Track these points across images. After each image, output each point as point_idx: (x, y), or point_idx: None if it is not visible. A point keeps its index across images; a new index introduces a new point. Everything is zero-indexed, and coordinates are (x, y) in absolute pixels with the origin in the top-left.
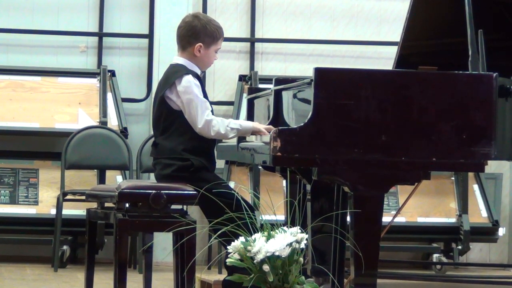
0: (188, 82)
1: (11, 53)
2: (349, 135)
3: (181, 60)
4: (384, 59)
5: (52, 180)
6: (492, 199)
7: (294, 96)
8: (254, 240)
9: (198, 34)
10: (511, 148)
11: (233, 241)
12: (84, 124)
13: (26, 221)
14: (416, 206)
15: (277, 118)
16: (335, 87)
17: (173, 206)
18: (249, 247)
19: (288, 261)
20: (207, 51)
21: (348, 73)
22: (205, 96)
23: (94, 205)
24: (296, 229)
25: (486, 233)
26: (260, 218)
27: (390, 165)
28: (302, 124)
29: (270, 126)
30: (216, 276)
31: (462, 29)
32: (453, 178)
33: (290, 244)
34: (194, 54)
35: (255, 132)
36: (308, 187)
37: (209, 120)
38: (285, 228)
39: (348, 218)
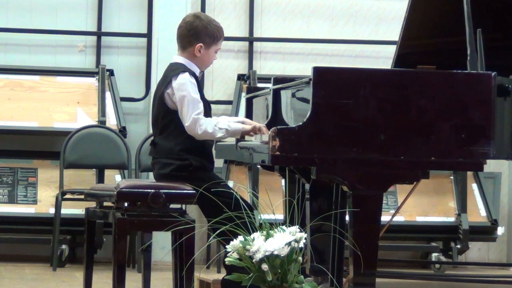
0: (183, 80)
1: (10, 53)
2: (348, 135)
3: (180, 59)
4: (382, 58)
5: (50, 179)
6: (491, 198)
7: (293, 95)
8: (253, 239)
9: (198, 34)
10: (509, 147)
11: (232, 240)
12: (82, 123)
13: (25, 220)
14: (415, 205)
15: (275, 117)
16: (333, 86)
17: (172, 206)
18: (248, 246)
19: (287, 260)
20: (207, 51)
21: (346, 72)
22: (202, 95)
23: (93, 204)
24: (295, 228)
25: (485, 232)
26: (259, 217)
27: (388, 164)
28: (300, 123)
29: (261, 126)
30: (215, 275)
31: (461, 28)
32: (452, 177)
33: (289, 243)
34: (194, 54)
35: (244, 135)
36: (307, 186)
37: (197, 118)
38: (284, 227)
39: (347, 217)
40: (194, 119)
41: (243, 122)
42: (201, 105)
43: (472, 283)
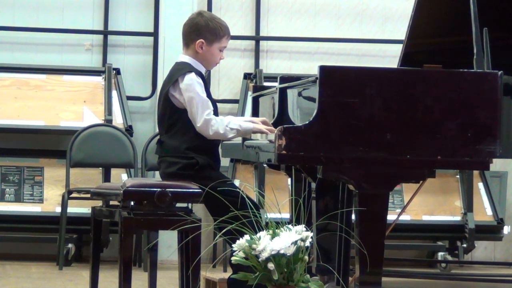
0: (190, 80)
1: (16, 51)
2: (354, 133)
3: (186, 58)
4: (389, 57)
5: (57, 178)
6: (497, 197)
7: (299, 94)
8: (259, 238)
9: (200, 30)
10: None
11: (238, 239)
12: (89, 122)
13: (31, 219)
14: (421, 204)
15: (282, 116)
16: (340, 85)
17: (178, 204)
18: (254, 245)
19: (293, 259)
20: (210, 48)
21: (353, 71)
22: (209, 95)
23: (99, 203)
24: (301, 227)
25: (491, 231)
26: (265, 216)
27: (395, 163)
28: (307, 122)
29: (272, 128)
30: (221, 274)
31: (467, 27)
32: (458, 176)
33: (295, 242)
34: (196, 51)
35: (256, 133)
36: (313, 185)
37: (208, 119)
38: (290, 226)
39: (353, 216)
40: (205, 120)
41: (251, 121)
42: (210, 104)
43: (478, 282)
